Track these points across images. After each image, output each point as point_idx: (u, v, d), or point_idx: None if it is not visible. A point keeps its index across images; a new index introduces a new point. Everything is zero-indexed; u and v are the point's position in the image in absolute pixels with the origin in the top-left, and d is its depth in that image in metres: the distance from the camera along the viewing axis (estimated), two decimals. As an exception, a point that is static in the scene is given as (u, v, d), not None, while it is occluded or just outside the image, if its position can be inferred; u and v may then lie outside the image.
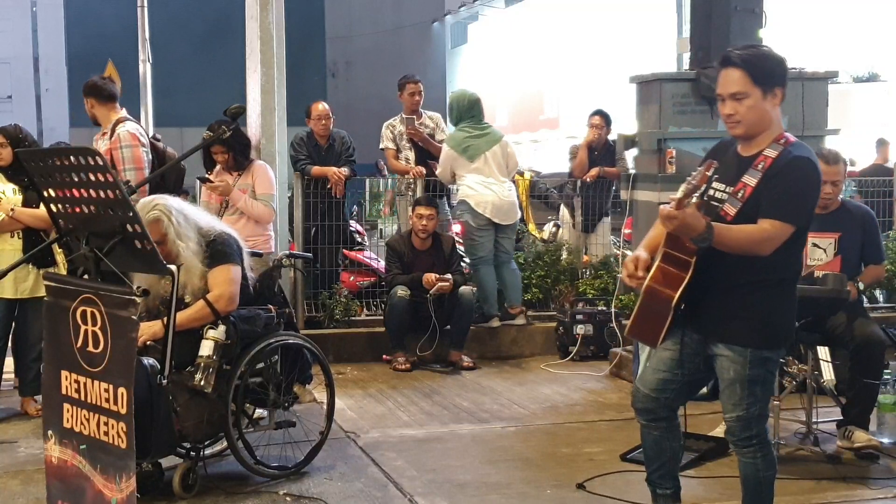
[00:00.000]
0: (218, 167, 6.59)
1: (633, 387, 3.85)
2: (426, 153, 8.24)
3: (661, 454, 3.83)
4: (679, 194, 3.30)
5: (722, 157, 3.61)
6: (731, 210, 3.48)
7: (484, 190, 7.70)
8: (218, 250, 4.64)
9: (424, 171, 8.10)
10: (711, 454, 5.06)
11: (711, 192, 3.56)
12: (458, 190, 7.93)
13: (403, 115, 8.35)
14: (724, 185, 3.54)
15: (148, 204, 4.58)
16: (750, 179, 3.47)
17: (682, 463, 4.88)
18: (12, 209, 5.77)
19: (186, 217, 4.62)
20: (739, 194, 3.48)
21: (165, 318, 4.31)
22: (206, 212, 5.06)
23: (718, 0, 6.57)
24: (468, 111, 7.93)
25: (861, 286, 5.36)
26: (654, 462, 3.86)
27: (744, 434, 3.59)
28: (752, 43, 3.59)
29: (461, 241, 8.08)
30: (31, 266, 5.77)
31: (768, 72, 3.47)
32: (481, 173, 7.73)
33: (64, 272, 5.63)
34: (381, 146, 8.40)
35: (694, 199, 3.29)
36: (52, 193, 3.92)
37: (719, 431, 5.27)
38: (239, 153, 6.42)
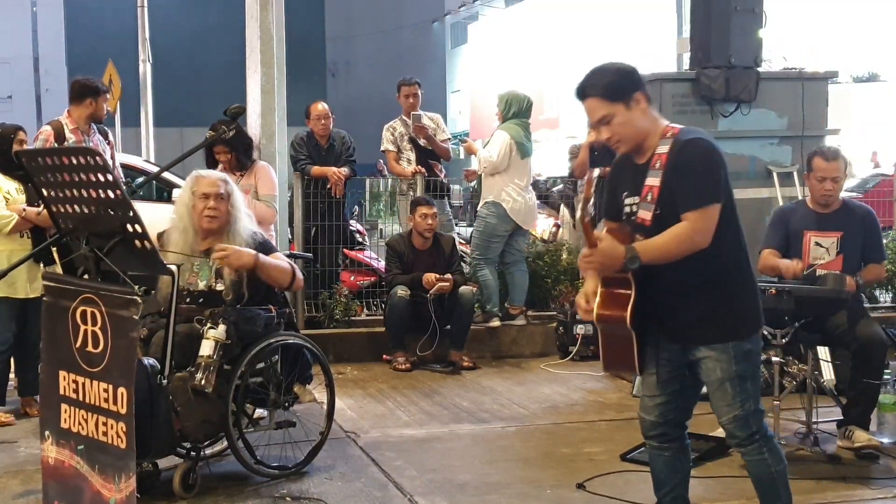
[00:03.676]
0: (220, 167, 6.58)
1: (639, 416, 3.75)
2: (428, 153, 8.24)
3: (673, 475, 3.74)
4: (578, 214, 3.32)
5: (623, 172, 3.58)
6: (646, 215, 3.42)
7: (518, 197, 7.74)
8: (268, 241, 5.00)
9: (425, 171, 8.11)
10: (711, 454, 5.05)
11: (627, 209, 3.53)
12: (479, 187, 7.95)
13: (403, 116, 8.34)
14: (634, 199, 3.49)
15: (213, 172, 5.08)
16: (653, 181, 3.41)
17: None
18: (24, 209, 5.76)
19: (242, 202, 4.95)
20: (648, 197, 3.42)
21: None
22: None
23: (718, 0, 6.57)
24: (526, 111, 7.95)
25: (860, 281, 5.33)
26: (666, 485, 3.75)
27: (744, 433, 3.51)
28: (595, 68, 3.51)
29: (464, 241, 8.06)
30: (41, 265, 5.75)
31: (617, 86, 3.41)
32: (523, 175, 7.82)
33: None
34: (382, 148, 8.39)
35: (590, 211, 3.29)
36: (52, 193, 3.92)
37: (720, 431, 5.27)
38: (242, 153, 6.40)
